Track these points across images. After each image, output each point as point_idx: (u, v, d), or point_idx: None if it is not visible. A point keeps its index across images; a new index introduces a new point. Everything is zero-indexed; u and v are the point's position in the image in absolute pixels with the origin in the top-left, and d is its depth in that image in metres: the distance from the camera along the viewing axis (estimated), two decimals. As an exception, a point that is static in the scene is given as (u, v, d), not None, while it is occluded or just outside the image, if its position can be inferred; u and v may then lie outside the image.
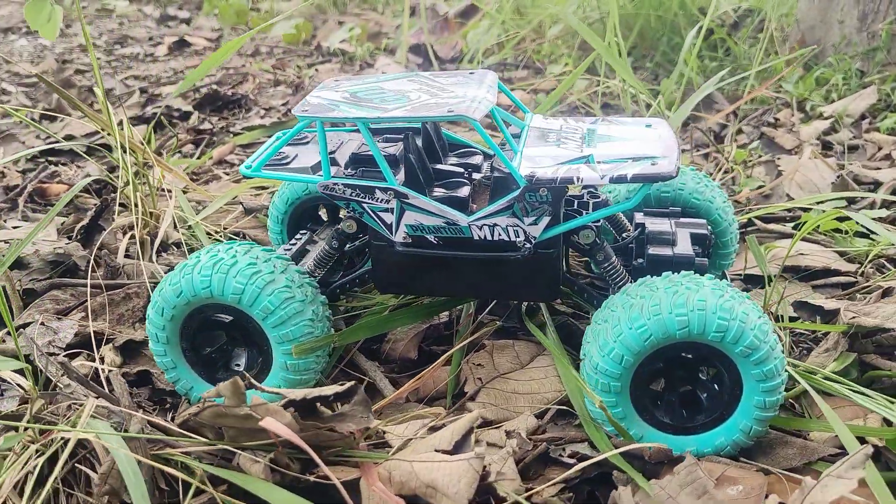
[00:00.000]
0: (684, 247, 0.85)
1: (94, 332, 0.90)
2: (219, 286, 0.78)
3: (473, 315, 0.97)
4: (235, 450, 0.64)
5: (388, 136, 0.93)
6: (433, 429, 0.77)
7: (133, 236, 1.15)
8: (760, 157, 1.42)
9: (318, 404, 0.68)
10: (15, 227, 1.20)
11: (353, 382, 0.67)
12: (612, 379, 0.74)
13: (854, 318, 0.88)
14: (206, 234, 1.17)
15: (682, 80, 1.65)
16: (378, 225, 0.83)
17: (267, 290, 0.78)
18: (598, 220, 0.86)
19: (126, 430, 0.67)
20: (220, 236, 1.19)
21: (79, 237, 1.13)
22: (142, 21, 3.31)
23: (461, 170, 0.88)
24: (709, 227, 0.90)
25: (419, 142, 0.88)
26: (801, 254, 1.12)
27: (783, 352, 0.74)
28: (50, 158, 1.57)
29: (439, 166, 0.89)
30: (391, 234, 0.83)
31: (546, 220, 0.80)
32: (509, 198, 0.79)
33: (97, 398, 0.67)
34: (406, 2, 2.09)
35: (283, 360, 0.80)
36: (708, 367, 0.77)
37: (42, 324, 0.89)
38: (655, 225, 0.88)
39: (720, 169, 1.39)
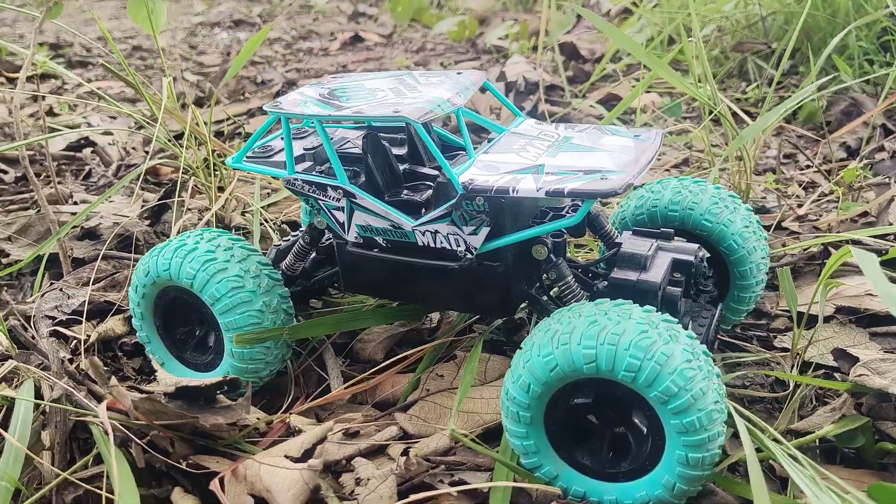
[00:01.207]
0: (655, 273, 0.76)
1: (108, 301, 0.97)
2: (176, 269, 0.82)
3: (466, 323, 0.94)
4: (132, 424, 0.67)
5: (385, 135, 0.92)
6: (347, 433, 0.76)
7: (201, 217, 1.24)
8: (867, 178, 1.23)
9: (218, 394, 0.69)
10: (110, 201, 1.33)
11: (234, 378, 0.67)
12: (520, 408, 0.68)
13: (861, 375, 0.74)
14: (262, 220, 1.22)
15: (833, 84, 1.47)
16: (332, 223, 0.83)
17: (216, 278, 0.81)
18: (560, 235, 0.79)
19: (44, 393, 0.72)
20: (274, 224, 1.24)
21: (148, 215, 1.23)
22: (335, 17, 3.51)
23: (436, 173, 0.85)
24: (700, 254, 0.80)
25: (387, 141, 0.86)
26: (870, 294, 0.96)
27: (717, 402, 0.64)
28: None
29: (421, 169, 0.87)
30: (344, 232, 0.83)
31: (485, 230, 0.75)
32: (447, 205, 0.75)
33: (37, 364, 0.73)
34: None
35: (230, 347, 0.82)
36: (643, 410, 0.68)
37: (60, 290, 0.98)
38: (632, 246, 0.79)
39: (805, 187, 1.22)
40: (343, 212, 0.81)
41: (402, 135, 0.90)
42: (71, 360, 0.84)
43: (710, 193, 0.88)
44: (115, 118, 1.94)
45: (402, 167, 0.87)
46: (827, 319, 0.94)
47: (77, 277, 1.04)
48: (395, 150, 0.89)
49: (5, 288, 1.10)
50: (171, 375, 0.70)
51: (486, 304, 0.80)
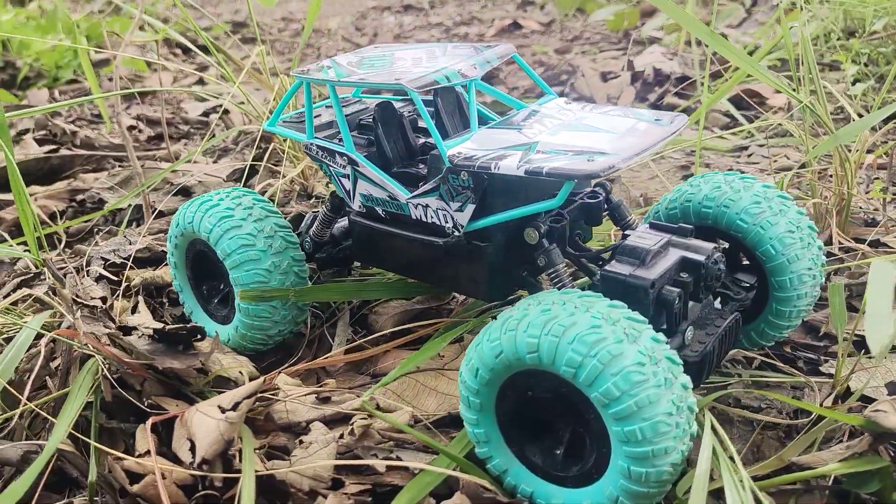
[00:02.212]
0: (653, 271, 0.69)
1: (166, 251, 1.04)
2: (198, 223, 0.86)
3: (488, 305, 0.91)
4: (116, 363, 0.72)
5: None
6: (319, 397, 0.76)
7: (292, 181, 1.29)
8: None
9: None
10: (212, 164, 1.41)
11: (199, 326, 0.69)
12: (470, 393, 0.65)
13: (878, 412, 0.63)
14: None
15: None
16: (341, 190, 0.83)
17: (229, 234, 0.84)
18: (560, 220, 0.74)
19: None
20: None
21: (237, 177, 1.30)
22: (504, 4, 3.50)
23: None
24: (716, 255, 0.72)
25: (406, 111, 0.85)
26: (955, 326, 0.82)
27: (672, 415, 0.57)
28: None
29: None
30: (350, 200, 0.83)
31: (471, 207, 0.72)
32: (436, 179, 0.73)
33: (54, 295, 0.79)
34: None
35: (238, 303, 0.85)
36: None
37: (125, 236, 1.06)
38: (638, 239, 0.73)
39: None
40: (349, 179, 0.81)
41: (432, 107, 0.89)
42: (104, 300, 0.90)
43: (755, 191, 0.78)
44: (258, 89, 2.06)
45: (422, 140, 0.85)
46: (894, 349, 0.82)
47: (150, 227, 1.12)
48: (422, 123, 0.87)
49: (100, 233, 1.20)
50: (151, 319, 0.73)
51: (475, 285, 0.77)
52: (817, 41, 1.98)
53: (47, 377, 0.78)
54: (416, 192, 0.75)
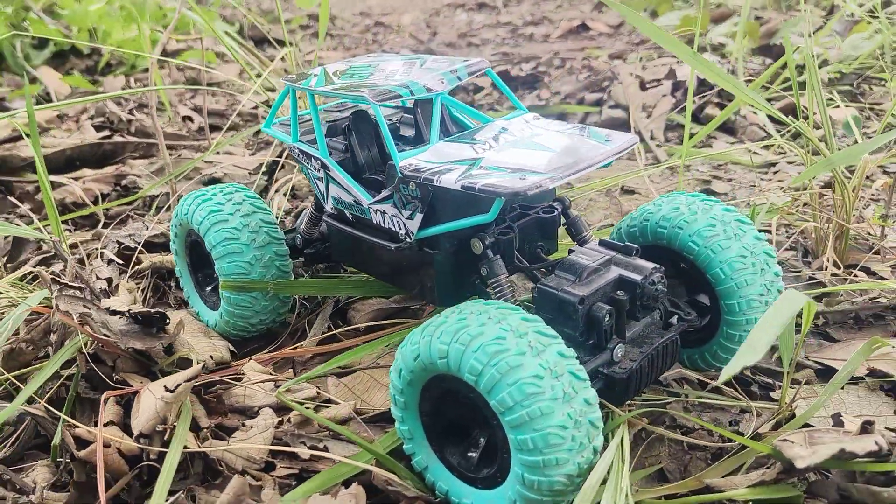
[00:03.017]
0: (588, 288, 0.71)
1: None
2: (190, 215, 0.93)
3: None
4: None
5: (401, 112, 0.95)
6: (275, 384, 0.81)
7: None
8: None
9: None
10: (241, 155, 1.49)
11: (161, 312, 0.76)
12: (396, 391, 0.69)
13: (785, 441, 0.64)
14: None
15: None
16: (317, 191, 0.88)
17: (215, 227, 0.90)
18: (508, 233, 0.77)
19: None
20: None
21: (265, 170, 1.37)
22: (580, 5, 3.49)
23: (428, 157, 0.86)
24: (654, 276, 0.73)
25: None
26: (916, 360, 0.80)
27: (566, 428, 0.59)
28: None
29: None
30: (325, 202, 0.87)
31: (419, 216, 0.76)
32: (390, 187, 0.77)
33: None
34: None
35: (221, 291, 0.92)
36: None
37: (143, 221, 1.14)
38: (580, 255, 0.75)
39: None
40: (323, 182, 0.86)
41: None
42: (110, 280, 0.98)
43: (712, 214, 0.79)
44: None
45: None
46: (856, 381, 0.81)
47: (170, 215, 1.20)
48: (405, 132, 0.91)
49: (131, 217, 1.30)
50: (128, 302, 0.80)
51: (427, 289, 0.80)
52: (882, 55, 1.91)
53: (49, 348, 0.86)
54: (375, 199, 0.79)
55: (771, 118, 1.58)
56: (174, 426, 0.67)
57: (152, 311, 0.78)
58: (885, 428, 0.72)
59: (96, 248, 1.07)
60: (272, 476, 0.69)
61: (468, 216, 0.74)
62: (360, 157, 0.85)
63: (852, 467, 0.63)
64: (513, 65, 2.33)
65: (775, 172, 1.39)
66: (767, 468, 0.66)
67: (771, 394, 0.81)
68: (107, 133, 1.60)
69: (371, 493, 0.67)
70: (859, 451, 0.57)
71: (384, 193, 0.78)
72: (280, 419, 0.74)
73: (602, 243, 0.78)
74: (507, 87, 0.87)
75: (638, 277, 0.72)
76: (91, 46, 2.56)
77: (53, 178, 1.42)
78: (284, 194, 1.26)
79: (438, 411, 0.69)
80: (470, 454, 0.69)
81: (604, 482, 0.63)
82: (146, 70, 2.39)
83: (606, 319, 0.71)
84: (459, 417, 0.68)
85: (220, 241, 0.90)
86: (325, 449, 0.70)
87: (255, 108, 1.88)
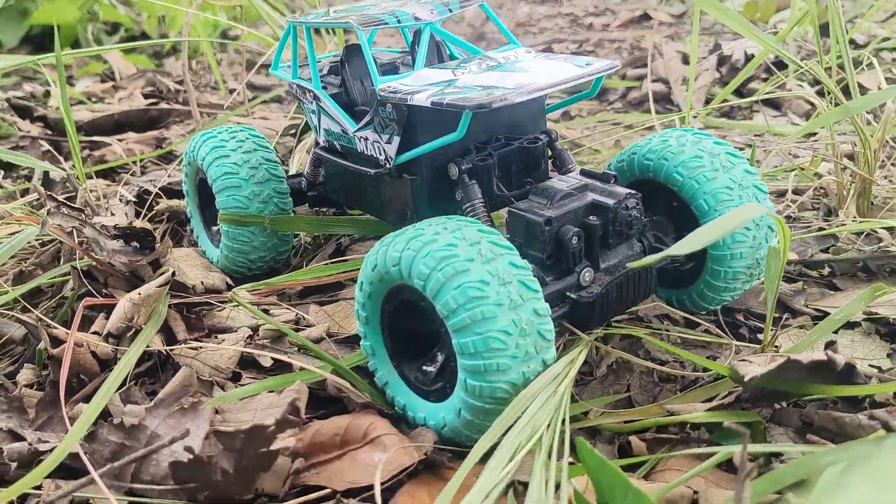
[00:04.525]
0: (557, 210, 0.70)
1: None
2: (196, 152, 0.96)
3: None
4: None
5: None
6: (259, 307, 0.83)
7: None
8: None
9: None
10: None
11: (148, 228, 0.78)
12: (359, 306, 0.69)
13: (743, 361, 0.61)
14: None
15: None
16: (313, 125, 0.89)
17: (217, 163, 0.93)
18: (486, 159, 0.77)
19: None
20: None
21: (293, 132, 1.40)
22: (647, -1, 3.43)
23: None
24: (628, 202, 0.71)
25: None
26: (920, 308, 0.76)
27: (509, 334, 0.58)
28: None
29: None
30: (318, 135, 0.89)
31: (396, 139, 0.76)
32: (371, 111, 0.77)
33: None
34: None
35: (220, 224, 0.94)
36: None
37: (165, 169, 1.18)
38: (556, 181, 0.74)
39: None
40: (316, 115, 0.87)
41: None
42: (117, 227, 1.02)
43: (700, 146, 0.77)
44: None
45: (393, 84, 0.90)
46: (852, 325, 0.77)
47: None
48: (404, 71, 0.92)
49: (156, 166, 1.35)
50: (123, 220, 0.83)
51: (405, 217, 0.80)
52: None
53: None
54: (359, 125, 0.80)
55: (819, 93, 1.52)
56: (140, 327, 0.69)
57: (137, 226, 0.81)
58: (869, 365, 0.68)
59: (118, 192, 1.11)
60: (237, 385, 0.70)
61: (447, 134, 0.73)
62: (353, 89, 0.86)
63: (806, 390, 0.59)
64: (559, 44, 2.31)
65: (815, 141, 1.34)
66: (729, 394, 0.64)
67: (759, 335, 0.78)
68: (153, 101, 1.67)
69: (328, 403, 0.67)
70: (804, 359, 0.54)
71: (366, 118, 0.78)
72: (251, 333, 0.75)
73: (583, 172, 0.76)
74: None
75: (611, 202, 0.71)
76: (161, 34, 2.66)
77: (99, 138, 1.49)
78: (308, 152, 1.28)
79: (398, 325, 0.69)
80: (426, 368, 0.68)
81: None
82: (204, 54, 2.48)
83: (574, 242, 0.69)
84: (416, 331, 0.68)
85: (220, 174, 0.92)
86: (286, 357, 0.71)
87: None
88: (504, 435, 0.55)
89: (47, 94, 1.75)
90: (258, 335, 0.74)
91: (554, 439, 0.51)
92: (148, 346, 0.68)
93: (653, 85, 1.65)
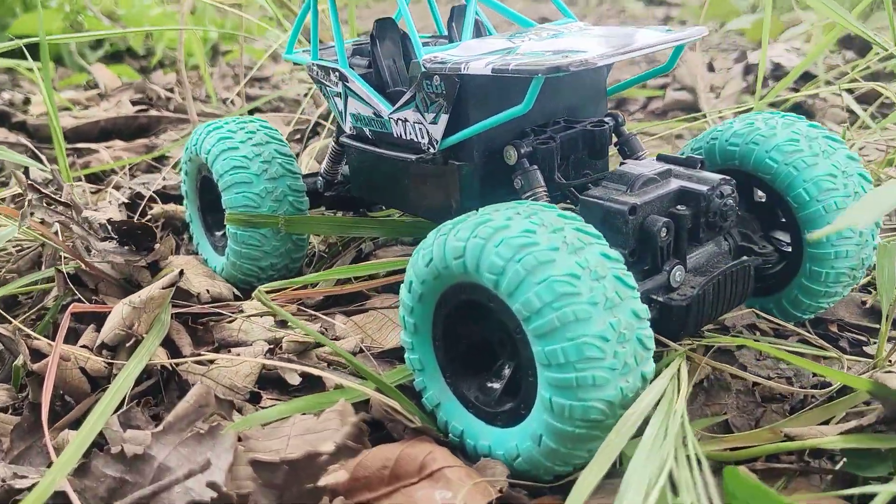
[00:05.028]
0: (640, 198, 0.59)
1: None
2: (199, 145, 0.84)
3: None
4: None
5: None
6: (276, 320, 0.71)
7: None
8: None
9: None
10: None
11: (149, 225, 0.67)
12: (405, 311, 0.58)
13: (889, 373, 0.50)
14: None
15: None
16: (336, 111, 0.78)
17: (223, 155, 0.81)
18: (548, 142, 0.66)
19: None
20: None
21: (299, 137, 1.29)
22: (647, 21, 3.38)
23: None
24: (724, 189, 0.60)
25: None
26: None
27: (608, 341, 0.47)
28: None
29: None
30: (343, 122, 0.78)
31: (444, 118, 0.65)
32: (413, 86, 0.66)
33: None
34: None
35: (228, 228, 0.82)
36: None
37: (160, 172, 1.07)
38: (633, 166, 0.63)
39: None
40: (341, 98, 0.76)
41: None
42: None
43: (795, 129, 0.66)
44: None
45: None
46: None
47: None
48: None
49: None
50: (117, 214, 0.71)
51: (450, 212, 0.69)
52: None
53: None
54: (396, 105, 0.69)
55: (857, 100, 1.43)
56: (142, 336, 0.57)
57: (140, 222, 0.69)
58: None
59: (107, 194, 0.99)
60: (257, 407, 0.58)
61: (505, 109, 0.62)
62: (384, 68, 0.75)
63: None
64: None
65: (861, 148, 1.24)
66: (864, 416, 0.52)
67: (865, 348, 0.67)
68: (143, 108, 1.55)
69: (371, 430, 0.55)
70: None
71: (406, 96, 0.67)
72: (272, 347, 0.63)
73: (660, 157, 0.66)
74: None
75: (703, 188, 0.60)
76: (147, 48, 2.56)
77: (84, 145, 1.37)
78: (315, 158, 1.17)
79: (454, 333, 0.57)
80: (490, 385, 0.57)
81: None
82: (195, 67, 2.37)
83: (663, 234, 0.58)
84: (479, 340, 0.57)
85: (228, 169, 0.80)
86: (319, 377, 0.59)
87: (304, 95, 1.82)
88: (614, 468, 0.44)
89: (27, 101, 1.63)
90: (280, 349, 0.62)
91: (694, 474, 0.39)
92: (151, 360, 0.56)
93: (676, 93, 1.56)
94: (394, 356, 0.66)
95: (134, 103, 1.59)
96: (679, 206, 0.60)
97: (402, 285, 0.58)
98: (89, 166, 1.27)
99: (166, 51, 2.46)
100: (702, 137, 0.71)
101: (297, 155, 1.25)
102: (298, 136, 1.31)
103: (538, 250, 0.49)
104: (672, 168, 0.63)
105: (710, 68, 1.58)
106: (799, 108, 1.49)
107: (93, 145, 1.37)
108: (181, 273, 0.64)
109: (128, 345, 0.58)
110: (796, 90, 1.56)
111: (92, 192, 1.06)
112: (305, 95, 1.82)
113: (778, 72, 1.60)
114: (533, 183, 0.64)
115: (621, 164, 0.66)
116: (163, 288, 0.60)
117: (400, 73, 0.76)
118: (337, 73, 0.75)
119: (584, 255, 0.50)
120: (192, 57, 2.42)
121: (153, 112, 1.53)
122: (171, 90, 1.70)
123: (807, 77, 1.66)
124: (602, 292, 0.49)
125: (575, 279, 0.48)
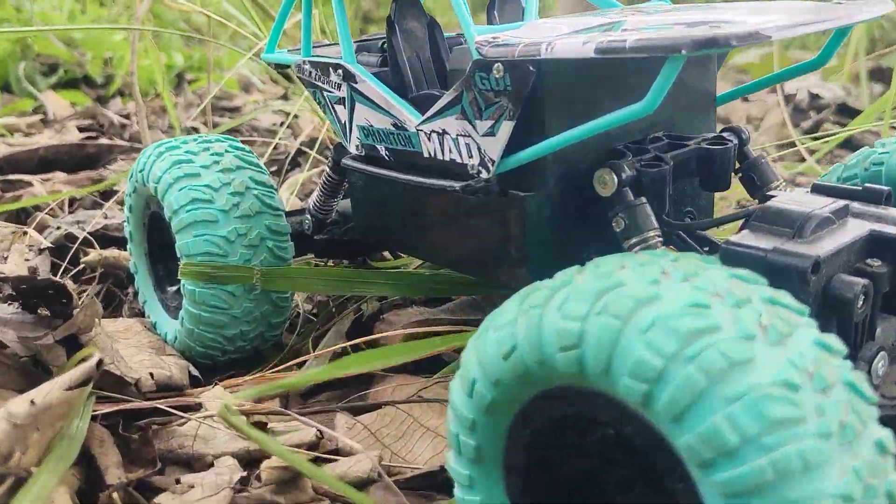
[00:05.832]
0: (820, 247, 0.38)
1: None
2: (148, 171, 0.62)
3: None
4: None
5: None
6: (256, 424, 0.48)
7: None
8: None
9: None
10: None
11: (61, 283, 0.44)
12: (461, 426, 0.36)
13: None
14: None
15: None
16: (336, 124, 0.57)
17: (179, 184, 0.60)
18: (658, 164, 0.45)
19: None
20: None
21: (275, 169, 1.08)
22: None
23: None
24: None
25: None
26: None
27: (850, 501, 0.26)
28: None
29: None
30: (346, 139, 0.56)
31: (507, 126, 0.44)
32: (458, 83, 0.45)
33: None
34: None
35: (182, 281, 0.60)
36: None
37: (102, 210, 0.84)
38: (790, 202, 0.42)
39: None
40: (345, 106, 0.55)
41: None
42: (33, 270, 0.67)
43: None
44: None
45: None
46: None
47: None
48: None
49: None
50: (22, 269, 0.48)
51: (508, 263, 0.48)
52: None
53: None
54: (431, 112, 0.48)
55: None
56: (28, 471, 0.34)
57: (48, 280, 0.46)
58: None
59: (27, 235, 0.76)
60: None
61: (601, 113, 0.41)
62: (406, 63, 0.54)
63: None
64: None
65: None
66: None
67: None
68: (90, 135, 1.32)
69: None
70: None
71: (446, 98, 0.46)
72: (245, 474, 0.40)
73: (818, 189, 0.45)
74: None
75: (901, 233, 0.40)
76: (106, 76, 2.34)
77: (18, 177, 1.14)
78: (296, 194, 0.96)
79: (544, 465, 0.35)
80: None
81: None
82: (157, 96, 2.15)
83: (860, 304, 0.37)
84: (588, 479, 0.35)
85: (185, 203, 0.59)
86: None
87: (279, 125, 1.61)
88: None
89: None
90: (255, 473, 0.40)
91: None
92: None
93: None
94: (430, 485, 0.43)
95: (81, 130, 1.36)
96: (872, 260, 0.40)
97: (452, 387, 0.36)
98: (20, 200, 1.04)
99: (126, 78, 2.24)
100: (854, 164, 0.51)
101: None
102: (275, 168, 1.09)
103: (724, 340, 0.28)
104: (849, 204, 0.42)
105: (745, 98, 1.41)
106: (848, 144, 1.32)
107: (26, 177, 1.14)
108: (100, 364, 0.41)
109: (1, 490, 0.35)
110: (842, 124, 1.40)
111: (11, 232, 0.82)
112: (282, 125, 1.62)
113: (817, 104, 1.43)
114: (643, 224, 0.43)
115: (763, 197, 0.45)
116: (69, 388, 0.37)
117: (426, 72, 0.55)
118: (340, 72, 0.54)
119: (794, 349, 0.29)
120: (154, 85, 2.21)
121: (103, 140, 1.30)
122: (127, 116, 1.48)
123: (843, 109, 1.50)
124: (836, 417, 0.27)
125: (792, 392, 0.27)
